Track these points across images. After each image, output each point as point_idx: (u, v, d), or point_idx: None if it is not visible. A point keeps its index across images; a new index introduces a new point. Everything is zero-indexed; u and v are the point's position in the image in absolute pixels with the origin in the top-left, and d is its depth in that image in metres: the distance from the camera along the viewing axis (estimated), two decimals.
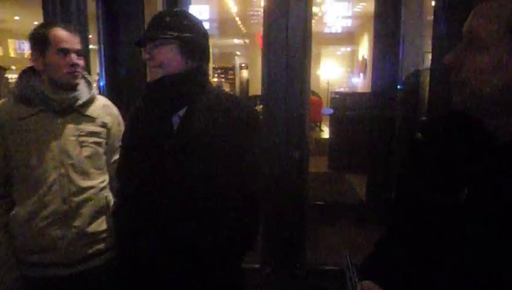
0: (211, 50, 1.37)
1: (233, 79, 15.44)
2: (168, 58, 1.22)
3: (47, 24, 1.48)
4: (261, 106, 2.98)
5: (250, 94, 12.05)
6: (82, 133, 1.48)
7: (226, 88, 13.64)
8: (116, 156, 1.56)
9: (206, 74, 1.31)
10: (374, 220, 3.44)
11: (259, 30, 3.62)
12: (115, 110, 1.63)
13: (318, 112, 8.74)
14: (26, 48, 10.79)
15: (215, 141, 1.20)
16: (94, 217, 1.49)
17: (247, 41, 12.15)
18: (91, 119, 1.51)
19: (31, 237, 1.43)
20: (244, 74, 14.93)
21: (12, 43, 11.58)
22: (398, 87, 3.47)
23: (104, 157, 1.56)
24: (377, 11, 3.74)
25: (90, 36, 2.43)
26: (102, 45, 2.63)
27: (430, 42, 2.58)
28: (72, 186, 1.44)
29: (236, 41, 12.98)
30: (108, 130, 1.56)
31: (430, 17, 2.70)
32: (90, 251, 1.49)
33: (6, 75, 5.57)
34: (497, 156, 0.67)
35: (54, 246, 1.43)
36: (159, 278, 1.24)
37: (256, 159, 1.27)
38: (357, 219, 3.77)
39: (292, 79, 2.57)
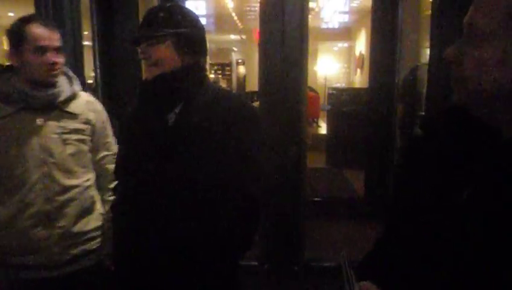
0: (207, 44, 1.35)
1: (230, 75, 15.40)
2: (163, 56, 1.20)
3: (24, 19, 1.39)
4: (257, 102, 2.97)
5: (247, 90, 12.03)
6: (65, 131, 1.43)
7: (223, 84, 13.60)
8: (103, 153, 1.54)
9: (203, 70, 1.29)
10: (371, 215, 3.45)
11: (256, 26, 3.60)
12: (98, 106, 1.58)
13: (316, 108, 8.69)
14: None
15: (212, 137, 1.17)
16: (79, 217, 1.46)
17: (244, 37, 12.12)
18: (74, 116, 1.46)
19: (15, 238, 1.39)
20: (241, 69, 14.87)
21: (6, 40, 11.50)
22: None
23: (88, 155, 1.52)
24: (374, 6, 3.72)
25: (85, 33, 2.40)
26: (96, 41, 2.60)
27: (428, 37, 2.56)
28: (55, 186, 1.40)
29: (233, 37, 12.94)
30: (93, 126, 1.51)
31: (428, 12, 2.68)
32: (76, 252, 1.46)
33: None
34: (499, 154, 0.66)
35: (37, 248, 1.39)
36: (158, 278, 1.22)
37: (257, 158, 1.24)
38: (355, 214, 3.77)
39: (289, 74, 2.55)
